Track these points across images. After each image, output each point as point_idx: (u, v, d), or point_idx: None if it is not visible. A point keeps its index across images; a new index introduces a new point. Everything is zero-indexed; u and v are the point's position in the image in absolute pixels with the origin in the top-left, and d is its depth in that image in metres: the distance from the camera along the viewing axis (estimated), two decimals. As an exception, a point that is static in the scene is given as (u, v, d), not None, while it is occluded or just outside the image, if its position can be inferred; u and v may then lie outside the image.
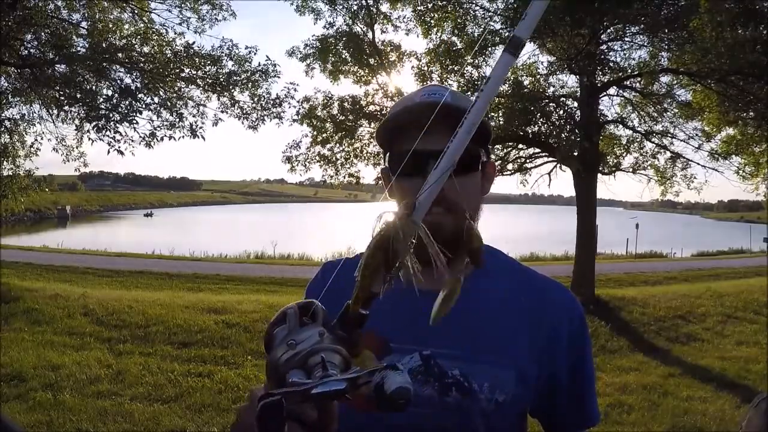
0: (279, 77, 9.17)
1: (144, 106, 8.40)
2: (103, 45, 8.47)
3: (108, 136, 8.13)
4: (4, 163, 9.35)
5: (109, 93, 8.50)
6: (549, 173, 11.72)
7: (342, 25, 10.67)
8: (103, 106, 8.20)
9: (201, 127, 8.69)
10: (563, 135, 9.86)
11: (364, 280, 0.63)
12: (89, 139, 8.48)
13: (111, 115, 8.16)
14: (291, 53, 10.81)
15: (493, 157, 1.00)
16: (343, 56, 10.53)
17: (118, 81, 8.47)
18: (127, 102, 8.22)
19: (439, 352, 0.93)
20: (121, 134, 8.18)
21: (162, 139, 8.47)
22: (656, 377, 6.05)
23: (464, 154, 0.87)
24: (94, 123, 8.05)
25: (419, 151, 0.83)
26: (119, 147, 8.20)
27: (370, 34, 10.66)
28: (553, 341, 0.97)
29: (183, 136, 8.67)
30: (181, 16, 9.15)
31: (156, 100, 8.55)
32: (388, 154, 0.98)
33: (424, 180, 0.79)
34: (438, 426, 0.92)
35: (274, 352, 0.61)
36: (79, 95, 8.19)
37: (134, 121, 8.22)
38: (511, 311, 0.97)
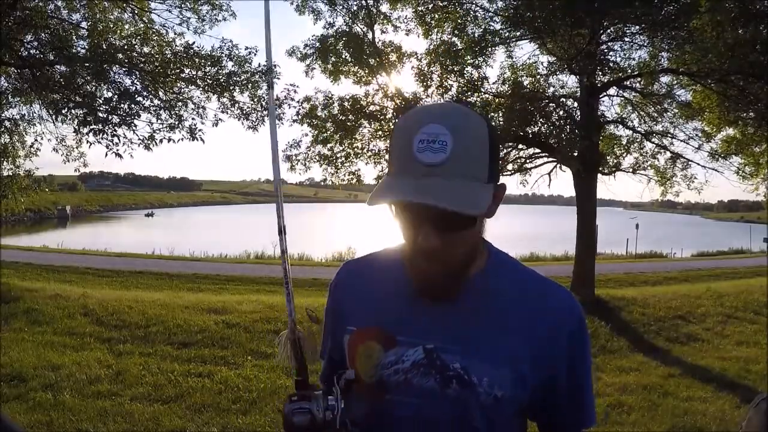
0: (279, 78, 9.17)
1: (143, 108, 8.39)
2: (103, 46, 8.46)
3: (106, 139, 8.12)
4: (4, 163, 9.34)
5: (108, 95, 8.49)
6: (549, 173, 11.73)
7: (342, 26, 10.68)
8: (102, 108, 8.18)
9: (200, 130, 8.69)
10: (563, 135, 9.86)
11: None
12: (87, 142, 8.49)
13: (109, 118, 8.14)
14: (291, 53, 10.81)
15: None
16: (343, 56, 10.52)
17: (118, 83, 8.47)
18: (126, 105, 8.21)
19: (442, 346, 0.96)
20: (119, 137, 8.18)
21: (161, 141, 8.48)
22: (656, 377, 6.04)
23: (458, 216, 0.86)
24: (91, 127, 8.05)
25: (415, 211, 0.89)
26: (117, 150, 8.20)
27: (370, 35, 10.66)
28: (552, 342, 0.98)
29: (182, 138, 8.67)
30: (181, 16, 9.14)
31: (156, 102, 8.55)
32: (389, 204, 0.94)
33: (418, 235, 0.90)
34: (438, 416, 0.96)
35: None
36: (77, 99, 8.17)
37: (133, 125, 8.21)
38: (511, 311, 0.98)
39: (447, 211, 0.84)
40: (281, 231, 1.24)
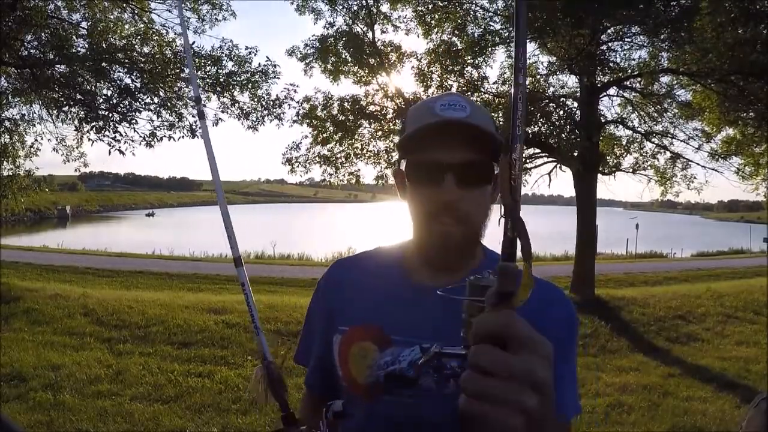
0: (279, 78, 9.18)
1: (143, 105, 8.41)
2: (103, 45, 8.47)
3: (108, 136, 8.14)
4: (4, 163, 9.35)
5: (109, 93, 8.50)
6: (549, 173, 11.73)
7: (342, 25, 10.68)
8: (102, 107, 8.20)
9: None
10: (563, 135, 9.86)
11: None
12: (89, 139, 8.49)
13: (110, 115, 8.15)
14: (291, 53, 10.80)
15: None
16: (343, 56, 10.52)
17: (118, 81, 8.48)
18: (127, 102, 8.22)
19: (438, 344, 0.95)
20: (121, 134, 8.19)
21: (162, 139, 8.49)
22: (656, 377, 6.05)
23: (477, 167, 0.95)
24: (93, 124, 8.06)
25: (437, 162, 0.93)
26: (119, 147, 8.21)
27: (370, 34, 10.66)
28: (549, 335, 0.98)
29: (183, 136, 8.69)
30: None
31: (156, 100, 8.56)
32: (405, 161, 1.01)
33: (438, 189, 0.92)
34: (436, 414, 0.96)
35: None
36: (78, 96, 8.18)
37: (134, 121, 8.22)
38: None
39: (468, 161, 0.93)
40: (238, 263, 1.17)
